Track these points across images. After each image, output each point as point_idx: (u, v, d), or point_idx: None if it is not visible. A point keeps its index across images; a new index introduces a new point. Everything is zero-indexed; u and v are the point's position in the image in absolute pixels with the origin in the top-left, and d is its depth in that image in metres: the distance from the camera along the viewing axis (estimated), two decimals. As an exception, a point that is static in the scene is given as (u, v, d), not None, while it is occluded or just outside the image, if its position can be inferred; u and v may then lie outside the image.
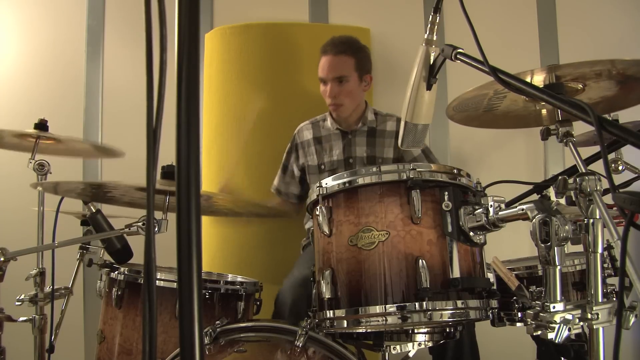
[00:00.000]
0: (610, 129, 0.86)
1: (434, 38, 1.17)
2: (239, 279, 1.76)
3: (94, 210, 1.46)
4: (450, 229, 1.12)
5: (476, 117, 1.47)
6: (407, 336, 1.28)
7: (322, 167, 2.20)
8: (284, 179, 2.31)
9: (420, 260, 1.08)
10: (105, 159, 2.69)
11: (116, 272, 1.55)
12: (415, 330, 1.27)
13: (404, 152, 2.19)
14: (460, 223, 1.13)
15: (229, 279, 1.75)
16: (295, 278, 1.80)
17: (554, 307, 0.95)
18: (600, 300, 0.95)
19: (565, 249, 0.99)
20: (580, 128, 1.36)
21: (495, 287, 1.18)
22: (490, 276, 1.22)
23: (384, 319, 1.09)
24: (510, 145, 2.68)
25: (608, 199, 0.93)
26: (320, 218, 1.18)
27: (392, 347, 1.28)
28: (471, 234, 1.13)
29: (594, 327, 0.95)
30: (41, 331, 1.76)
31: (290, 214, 2.34)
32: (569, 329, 0.94)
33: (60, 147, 1.92)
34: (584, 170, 1.04)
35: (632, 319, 0.94)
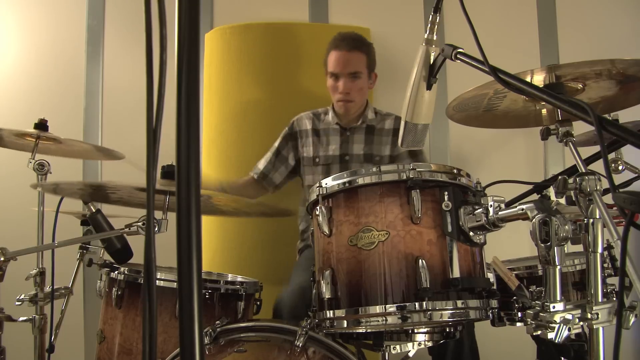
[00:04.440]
0: (610, 129, 0.86)
1: (434, 38, 1.17)
2: (239, 279, 1.76)
3: (94, 210, 1.46)
4: (450, 229, 1.12)
5: (476, 117, 1.47)
6: (407, 336, 1.27)
7: (317, 160, 2.18)
8: (274, 163, 2.23)
9: (420, 260, 1.08)
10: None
11: (116, 272, 1.55)
12: (415, 330, 1.27)
13: (397, 149, 2.18)
14: (460, 223, 1.12)
15: (229, 279, 1.75)
16: (292, 288, 1.80)
17: (554, 307, 0.95)
18: (600, 300, 0.95)
19: (565, 249, 0.99)
20: (580, 128, 1.36)
21: (495, 287, 1.18)
22: (490, 276, 1.22)
23: (384, 319, 1.09)
24: (510, 145, 2.68)
25: (608, 199, 0.93)
26: (320, 218, 1.18)
27: (392, 347, 1.28)
28: (471, 234, 1.13)
29: (594, 327, 0.95)
30: (41, 331, 1.77)
31: (251, 196, 2.21)
32: (569, 329, 0.94)
33: (61, 147, 1.92)
34: (584, 170, 1.04)
35: (632, 319, 0.94)
